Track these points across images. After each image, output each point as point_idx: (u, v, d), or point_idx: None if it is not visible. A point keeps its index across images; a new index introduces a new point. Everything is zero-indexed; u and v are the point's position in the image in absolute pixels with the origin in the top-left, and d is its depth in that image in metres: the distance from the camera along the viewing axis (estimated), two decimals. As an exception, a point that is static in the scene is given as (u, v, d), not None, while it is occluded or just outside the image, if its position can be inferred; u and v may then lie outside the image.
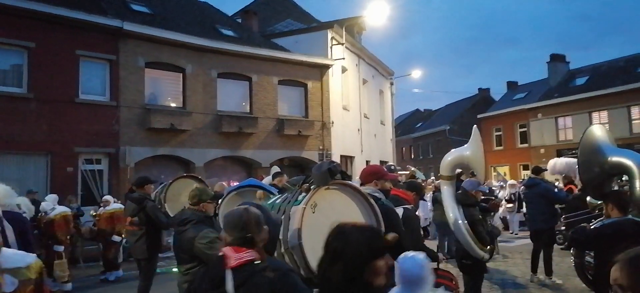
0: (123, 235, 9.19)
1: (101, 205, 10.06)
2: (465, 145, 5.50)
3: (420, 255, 2.15)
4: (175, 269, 9.98)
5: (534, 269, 8.02)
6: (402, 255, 2.15)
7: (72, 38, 13.38)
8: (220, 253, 2.13)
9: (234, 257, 2.05)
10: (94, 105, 13.80)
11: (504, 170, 26.71)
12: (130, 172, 13.74)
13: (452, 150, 5.83)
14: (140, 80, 14.70)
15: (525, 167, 30.75)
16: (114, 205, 9.69)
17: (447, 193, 5.45)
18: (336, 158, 18.54)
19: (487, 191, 8.12)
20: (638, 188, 3.70)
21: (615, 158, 3.87)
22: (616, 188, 5.56)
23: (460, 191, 5.62)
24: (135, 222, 6.28)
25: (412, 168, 10.76)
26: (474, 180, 5.88)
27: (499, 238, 12.90)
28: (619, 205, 3.78)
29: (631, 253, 1.46)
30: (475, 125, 5.63)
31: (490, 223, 5.85)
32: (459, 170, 5.91)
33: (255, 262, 2.07)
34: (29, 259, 2.32)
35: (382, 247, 1.86)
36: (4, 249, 2.27)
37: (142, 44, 14.74)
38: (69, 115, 13.18)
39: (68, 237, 8.41)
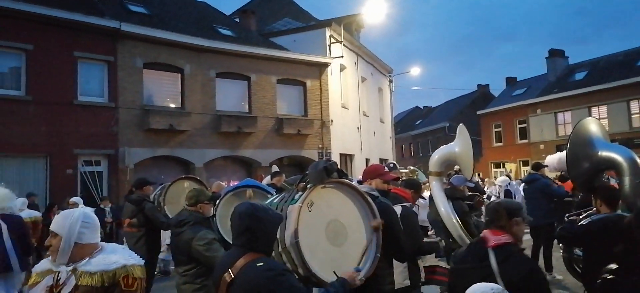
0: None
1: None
2: (453, 142, 5.54)
3: None
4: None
5: (535, 265, 8.00)
6: None
7: (70, 40, 13.36)
8: (481, 235, 2.67)
9: (493, 238, 2.56)
10: (93, 107, 13.78)
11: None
12: (129, 173, 13.74)
13: (440, 147, 5.90)
14: (138, 81, 14.69)
15: (525, 163, 30.72)
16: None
17: (436, 188, 5.51)
18: (335, 156, 18.53)
19: (474, 186, 8.19)
20: (627, 184, 3.68)
21: (605, 153, 3.84)
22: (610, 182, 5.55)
23: (448, 186, 5.69)
24: (134, 224, 6.28)
25: (414, 168, 10.71)
26: (461, 176, 5.93)
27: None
28: (607, 200, 3.75)
29: None
30: (461, 124, 5.65)
31: (476, 218, 6.00)
32: (457, 167, 6.00)
33: (511, 244, 2.54)
34: (113, 266, 2.28)
35: None
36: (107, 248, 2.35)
37: (139, 44, 14.72)
38: (68, 117, 13.17)
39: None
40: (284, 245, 2.69)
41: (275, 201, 3.33)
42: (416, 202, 5.09)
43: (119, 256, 2.33)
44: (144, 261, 2.45)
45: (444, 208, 5.29)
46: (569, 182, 9.65)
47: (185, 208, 4.00)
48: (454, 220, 5.10)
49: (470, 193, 6.89)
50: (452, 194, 5.53)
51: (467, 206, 5.54)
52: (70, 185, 12.98)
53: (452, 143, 5.61)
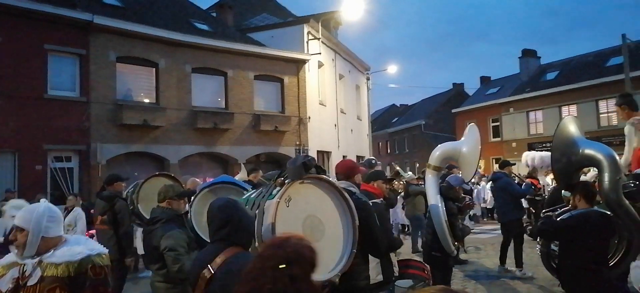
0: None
1: None
2: (462, 140, 5.60)
3: None
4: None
5: (503, 261, 8.18)
6: None
7: (40, 32, 12.97)
8: None
9: None
10: (64, 101, 13.42)
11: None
12: (101, 170, 13.43)
13: (446, 143, 5.96)
14: (111, 75, 14.36)
15: (497, 161, 31.33)
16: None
17: (431, 183, 5.52)
18: (313, 153, 18.51)
19: (470, 189, 8.32)
20: (606, 181, 3.79)
21: (587, 151, 3.95)
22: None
23: (444, 184, 5.69)
24: (105, 221, 6.13)
25: (397, 167, 10.80)
26: (459, 177, 5.95)
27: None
28: (586, 196, 3.86)
29: None
30: (473, 124, 5.73)
31: (461, 222, 6.00)
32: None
33: None
34: (78, 256, 2.35)
35: None
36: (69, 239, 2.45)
37: (113, 38, 14.39)
38: (38, 112, 12.79)
39: None
40: (261, 241, 2.67)
41: (252, 197, 3.31)
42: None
43: (83, 247, 2.41)
44: (107, 251, 2.51)
45: (435, 203, 5.33)
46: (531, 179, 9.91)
47: (157, 205, 3.94)
48: (443, 219, 5.14)
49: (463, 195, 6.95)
50: (447, 193, 5.53)
51: (456, 208, 5.57)
52: (39, 181, 12.62)
53: (459, 140, 5.68)
